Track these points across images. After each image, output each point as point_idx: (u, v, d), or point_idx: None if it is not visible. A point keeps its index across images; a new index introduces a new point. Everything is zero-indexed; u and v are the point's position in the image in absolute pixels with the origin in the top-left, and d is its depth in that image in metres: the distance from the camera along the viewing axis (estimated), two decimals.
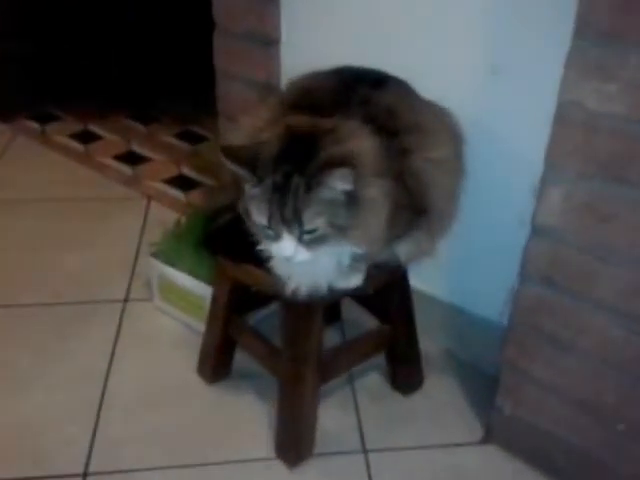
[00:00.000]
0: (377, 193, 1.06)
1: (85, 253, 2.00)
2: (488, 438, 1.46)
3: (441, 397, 1.57)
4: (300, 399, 1.34)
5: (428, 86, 1.25)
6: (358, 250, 1.12)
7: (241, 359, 1.56)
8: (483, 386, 1.56)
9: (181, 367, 1.62)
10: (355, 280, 1.22)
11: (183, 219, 1.81)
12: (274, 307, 1.66)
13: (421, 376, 1.57)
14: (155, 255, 1.74)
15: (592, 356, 1.23)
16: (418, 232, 1.21)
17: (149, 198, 2.27)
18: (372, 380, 1.60)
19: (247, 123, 1.22)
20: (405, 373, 1.55)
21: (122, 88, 2.98)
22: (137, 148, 2.60)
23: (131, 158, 2.53)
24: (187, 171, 2.45)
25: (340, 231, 1.06)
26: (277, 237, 1.07)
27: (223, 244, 1.35)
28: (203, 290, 1.64)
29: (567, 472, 1.35)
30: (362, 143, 1.06)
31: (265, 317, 1.68)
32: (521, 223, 1.29)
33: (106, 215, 2.19)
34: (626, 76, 1.01)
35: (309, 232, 1.05)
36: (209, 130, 2.61)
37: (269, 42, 1.62)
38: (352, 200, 1.04)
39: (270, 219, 1.05)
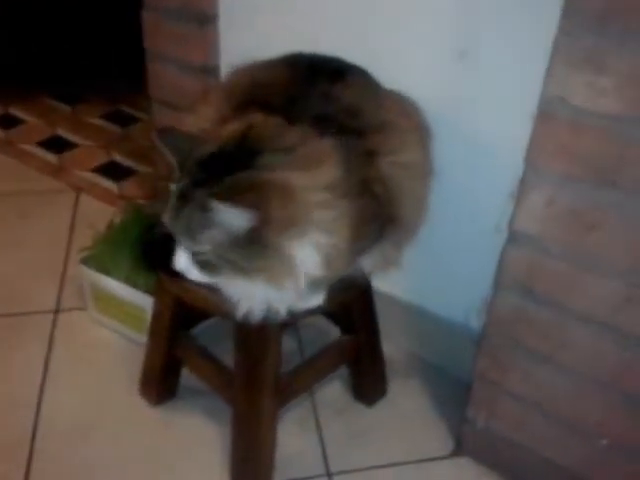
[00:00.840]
0: (295, 246, 0.91)
1: (6, 256, 1.79)
2: (459, 450, 1.36)
3: (407, 405, 1.46)
4: (256, 427, 1.21)
5: (387, 74, 1.11)
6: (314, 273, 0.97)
7: (189, 374, 1.40)
8: (450, 390, 1.48)
9: (122, 387, 1.46)
10: (315, 300, 1.08)
11: (116, 218, 1.63)
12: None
13: (385, 383, 1.46)
14: (86, 262, 1.55)
15: (574, 370, 1.13)
16: (384, 242, 1.08)
17: (78, 190, 2.07)
18: (333, 391, 1.47)
19: (191, 123, 1.06)
20: (368, 383, 1.43)
21: (44, 65, 2.72)
22: (62, 132, 2.37)
23: (56, 144, 2.31)
24: (119, 157, 2.24)
25: (237, 269, 0.92)
26: (177, 245, 0.96)
27: (163, 256, 1.18)
28: (142, 300, 1.47)
29: None
30: (314, 178, 0.91)
31: (208, 327, 1.52)
32: (497, 228, 1.17)
33: (30, 211, 1.97)
34: (622, 68, 0.89)
35: (199, 254, 0.93)
36: (142, 110, 2.40)
37: (205, 19, 1.43)
38: (257, 240, 0.89)
39: (170, 224, 0.94)
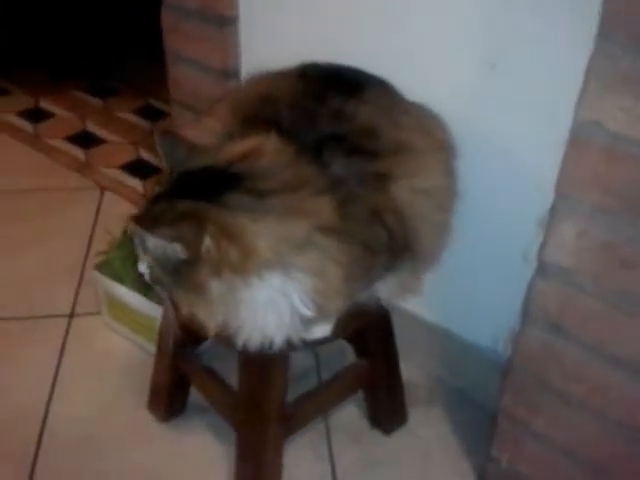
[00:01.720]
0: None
1: (25, 256, 1.76)
2: None
3: (428, 434, 1.37)
4: (261, 455, 1.14)
5: (411, 85, 1.02)
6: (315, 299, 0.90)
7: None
8: (474, 419, 1.38)
9: (131, 399, 1.41)
10: (321, 331, 1.00)
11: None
12: None
13: (404, 411, 1.37)
14: (100, 268, 1.51)
15: (607, 416, 1.03)
16: (400, 270, 0.99)
17: (102, 189, 2.03)
18: (349, 415, 1.39)
19: (194, 136, 0.99)
20: (385, 410, 1.34)
21: (76, 56, 2.69)
22: (92, 127, 2.34)
23: (84, 139, 2.27)
24: (146, 154, 2.19)
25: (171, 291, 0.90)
26: None
27: None
28: (154, 310, 1.42)
29: None
30: (284, 228, 0.83)
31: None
32: (525, 255, 1.07)
33: (52, 209, 1.94)
34: None
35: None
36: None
37: (224, 21, 1.35)
38: (185, 273, 0.85)
39: None
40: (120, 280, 1.47)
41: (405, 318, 1.37)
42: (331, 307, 0.90)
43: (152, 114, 2.42)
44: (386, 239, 0.90)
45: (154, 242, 0.84)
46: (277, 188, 0.83)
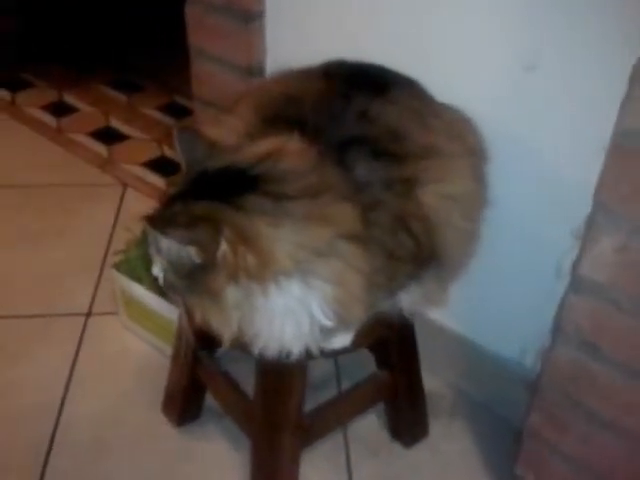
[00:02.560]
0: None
1: (45, 253, 1.74)
2: None
3: (450, 448, 1.32)
4: (276, 466, 1.11)
5: (441, 86, 0.97)
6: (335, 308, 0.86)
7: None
8: (498, 434, 1.33)
9: (146, 402, 1.38)
10: (341, 341, 0.96)
11: None
12: None
13: (426, 423, 1.33)
14: (118, 267, 1.48)
15: (639, 438, 0.98)
16: (425, 279, 0.95)
17: (124, 186, 2.00)
18: (368, 426, 1.35)
19: (215, 134, 0.95)
20: (406, 423, 1.30)
21: (101, 50, 2.68)
22: (115, 123, 2.32)
23: (107, 135, 2.25)
24: (170, 152, 2.16)
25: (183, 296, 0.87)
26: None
27: None
28: (172, 312, 1.38)
29: None
30: (303, 235, 0.79)
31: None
32: (558, 267, 1.02)
33: (73, 205, 1.91)
34: None
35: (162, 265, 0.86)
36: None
37: (250, 16, 1.31)
38: (198, 278, 0.81)
39: None
40: (138, 280, 1.44)
41: (429, 327, 1.33)
42: (352, 317, 0.86)
43: (177, 111, 2.39)
44: (411, 247, 0.86)
45: (168, 244, 0.81)
46: (298, 192, 0.79)
